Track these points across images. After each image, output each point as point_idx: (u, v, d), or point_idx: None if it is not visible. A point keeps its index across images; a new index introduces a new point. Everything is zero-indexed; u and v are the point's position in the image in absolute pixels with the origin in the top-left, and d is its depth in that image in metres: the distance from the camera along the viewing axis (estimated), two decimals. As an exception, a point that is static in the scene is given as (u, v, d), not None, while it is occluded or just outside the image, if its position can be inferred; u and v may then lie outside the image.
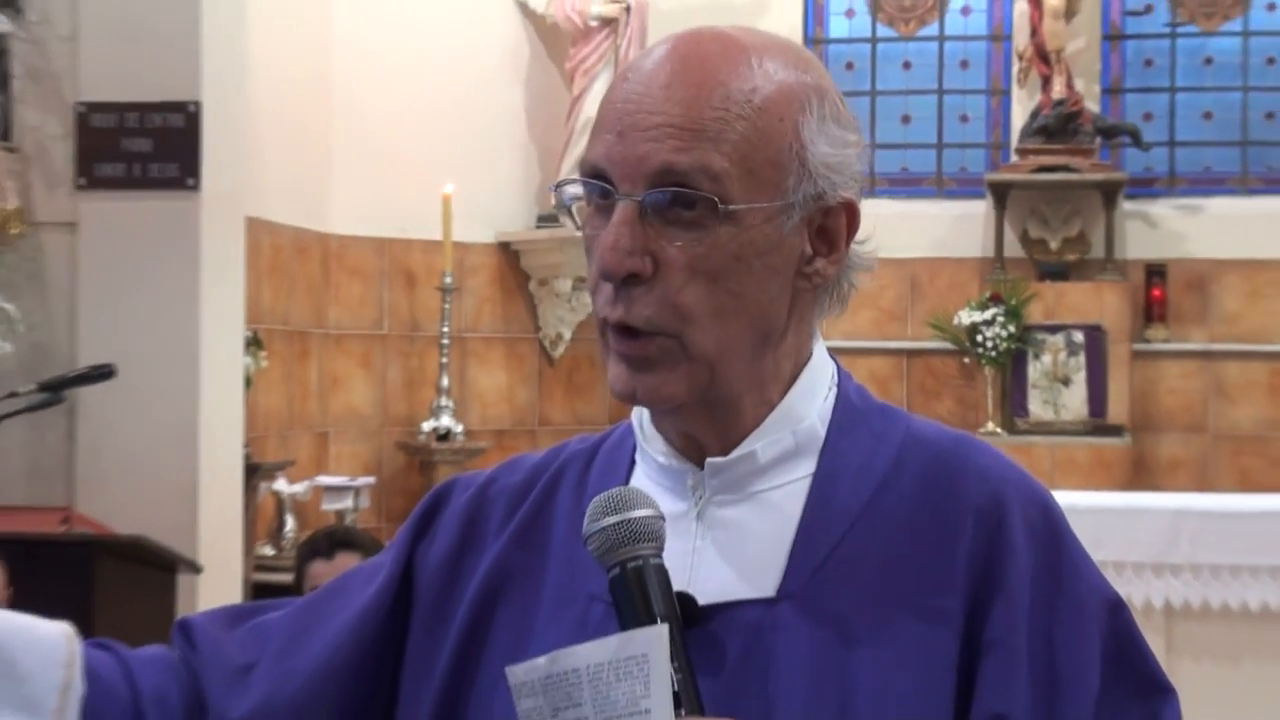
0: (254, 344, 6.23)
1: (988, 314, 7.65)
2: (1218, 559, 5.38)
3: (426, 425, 7.45)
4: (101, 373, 4.36)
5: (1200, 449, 7.96)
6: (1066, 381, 7.83)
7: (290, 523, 6.67)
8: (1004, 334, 7.63)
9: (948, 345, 7.93)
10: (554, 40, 7.94)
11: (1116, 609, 1.23)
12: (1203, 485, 7.57)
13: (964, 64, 8.46)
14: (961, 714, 1.17)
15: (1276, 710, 5.31)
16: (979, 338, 7.66)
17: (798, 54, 1.27)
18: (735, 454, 1.26)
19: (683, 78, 1.21)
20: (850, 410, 1.29)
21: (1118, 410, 7.75)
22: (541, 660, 1.16)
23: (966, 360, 7.91)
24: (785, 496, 1.26)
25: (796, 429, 1.27)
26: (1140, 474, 7.72)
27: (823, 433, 1.27)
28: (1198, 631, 5.36)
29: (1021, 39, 8.01)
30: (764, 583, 1.23)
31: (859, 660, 1.18)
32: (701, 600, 1.22)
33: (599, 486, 1.30)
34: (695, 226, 1.19)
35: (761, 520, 1.26)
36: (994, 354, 7.66)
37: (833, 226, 1.24)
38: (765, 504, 1.26)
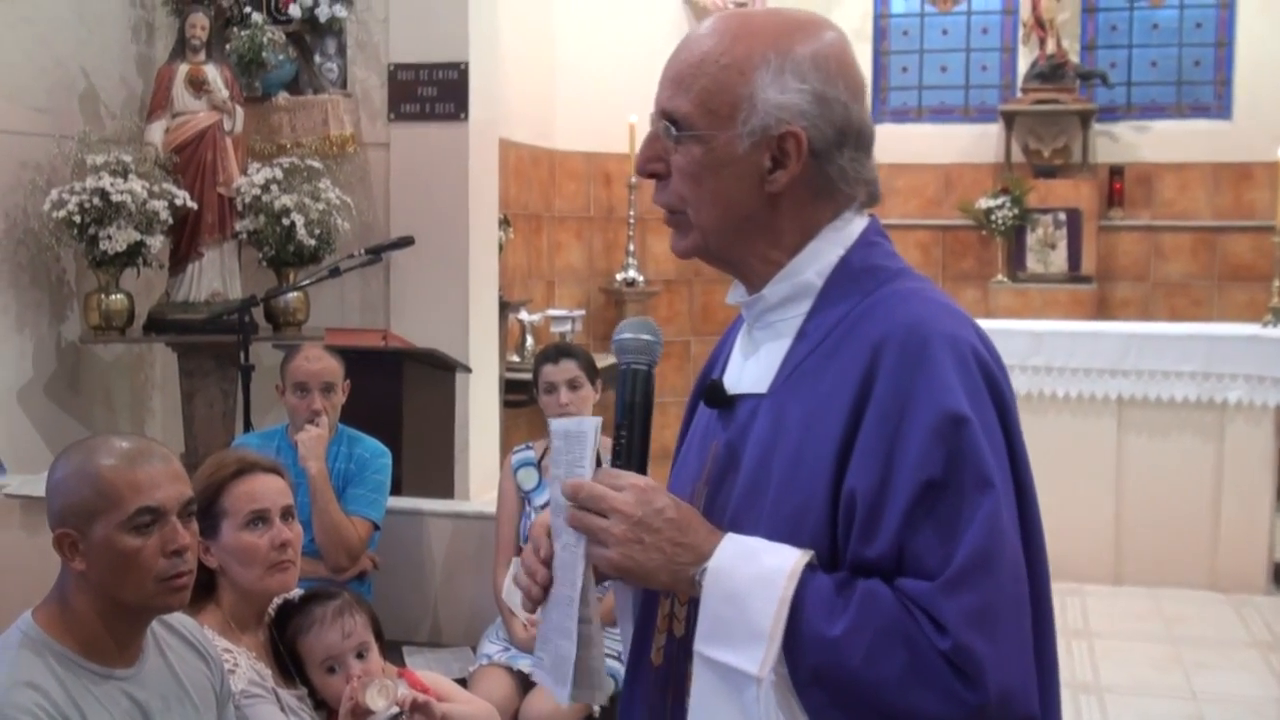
0: (504, 223, 6.72)
1: (999, 201, 8.50)
2: (1154, 366, 6.20)
3: (619, 276, 8.49)
4: (405, 242, 4.84)
5: (1143, 292, 8.73)
6: (1053, 246, 8.55)
7: (529, 340, 7.32)
8: (1010, 214, 8.46)
9: (971, 223, 8.73)
10: (704, 15, 7.77)
11: (959, 422, 1.33)
12: (1144, 316, 8.33)
13: (984, 30, 9.20)
14: (838, 483, 1.39)
15: (1190, 466, 6.16)
16: (992, 217, 8.50)
17: (785, 33, 1.44)
18: (753, 297, 1.51)
19: (686, 49, 1.47)
20: (846, 270, 1.48)
21: (1088, 266, 8.54)
22: (567, 420, 1.49)
23: (984, 232, 8.66)
24: (786, 326, 1.50)
25: (795, 281, 1.48)
26: (1103, 309, 8.48)
27: (819, 284, 1.48)
28: (1140, 416, 6.25)
29: (1025, 12, 8.74)
30: (764, 382, 1.50)
31: (785, 438, 1.44)
32: (732, 391, 1.53)
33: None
34: (679, 143, 1.46)
35: (772, 341, 1.52)
36: (1003, 228, 8.49)
37: (787, 150, 1.43)
38: (775, 330, 1.51)
